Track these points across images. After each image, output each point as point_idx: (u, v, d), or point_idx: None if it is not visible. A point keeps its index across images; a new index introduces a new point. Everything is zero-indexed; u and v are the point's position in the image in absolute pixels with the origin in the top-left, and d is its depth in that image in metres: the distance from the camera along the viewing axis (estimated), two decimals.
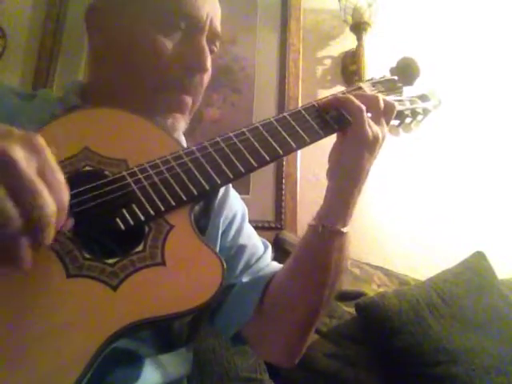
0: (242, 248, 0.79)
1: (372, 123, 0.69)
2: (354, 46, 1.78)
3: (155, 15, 0.69)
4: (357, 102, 0.69)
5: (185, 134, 0.81)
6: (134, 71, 0.70)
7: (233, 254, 0.78)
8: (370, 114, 0.70)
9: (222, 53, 1.77)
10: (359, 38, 1.76)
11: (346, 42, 1.85)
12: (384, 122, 0.71)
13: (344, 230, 0.69)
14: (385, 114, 0.71)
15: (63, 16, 1.79)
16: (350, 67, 1.79)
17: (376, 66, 1.66)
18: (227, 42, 1.77)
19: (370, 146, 0.68)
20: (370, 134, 0.67)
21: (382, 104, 0.71)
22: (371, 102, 0.70)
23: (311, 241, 0.71)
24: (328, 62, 1.85)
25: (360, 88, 0.78)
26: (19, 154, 0.38)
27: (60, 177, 0.41)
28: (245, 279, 0.76)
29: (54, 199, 0.40)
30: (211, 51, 0.75)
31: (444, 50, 1.84)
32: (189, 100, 0.72)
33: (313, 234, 0.71)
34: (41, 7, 1.79)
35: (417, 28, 1.86)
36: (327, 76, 1.84)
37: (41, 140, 0.41)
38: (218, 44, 0.77)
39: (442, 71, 1.76)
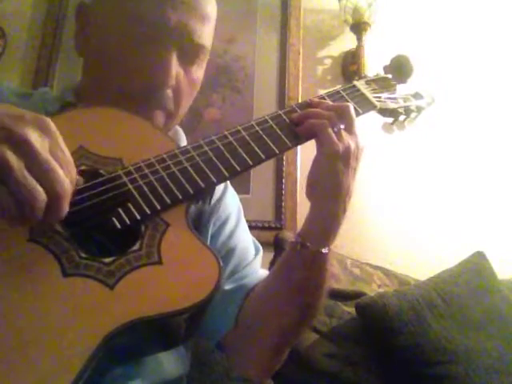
0: (231, 252, 0.77)
1: (344, 134, 0.65)
2: (354, 46, 1.77)
3: (121, 21, 0.64)
4: (318, 120, 0.65)
5: (185, 134, 0.81)
6: (100, 77, 0.67)
7: (221, 257, 0.76)
8: (342, 126, 0.65)
9: (222, 52, 1.77)
10: (359, 38, 1.75)
11: (346, 42, 1.84)
12: (356, 132, 0.66)
13: (324, 250, 0.65)
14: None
15: (63, 16, 1.79)
16: (350, 67, 1.78)
17: (376, 65, 1.65)
18: (227, 42, 1.77)
19: (343, 159, 0.63)
20: (341, 147, 0.63)
21: (353, 113, 0.67)
22: (343, 113, 0.66)
23: (290, 258, 0.68)
24: (328, 61, 1.85)
25: (354, 86, 0.77)
26: (33, 136, 0.41)
27: (68, 155, 0.45)
28: (227, 286, 0.73)
29: (66, 175, 0.44)
30: (190, 62, 0.68)
31: (443, 50, 1.84)
32: (158, 115, 0.67)
33: (292, 252, 0.68)
34: (41, 7, 1.80)
35: (417, 28, 1.85)
36: (327, 76, 1.84)
37: (50, 122, 0.44)
38: (200, 54, 0.69)
39: (441, 70, 1.76)
